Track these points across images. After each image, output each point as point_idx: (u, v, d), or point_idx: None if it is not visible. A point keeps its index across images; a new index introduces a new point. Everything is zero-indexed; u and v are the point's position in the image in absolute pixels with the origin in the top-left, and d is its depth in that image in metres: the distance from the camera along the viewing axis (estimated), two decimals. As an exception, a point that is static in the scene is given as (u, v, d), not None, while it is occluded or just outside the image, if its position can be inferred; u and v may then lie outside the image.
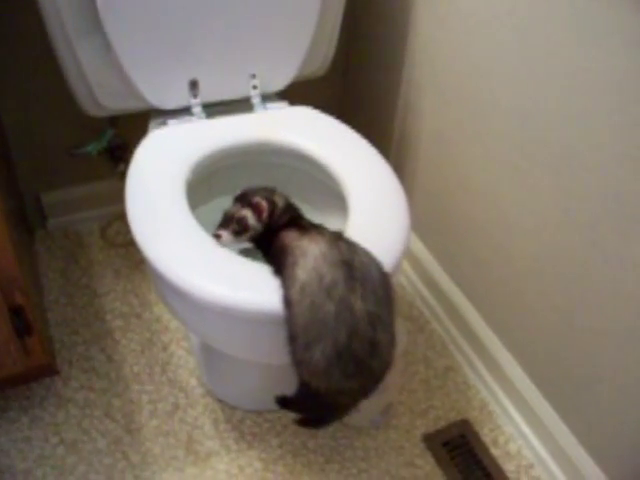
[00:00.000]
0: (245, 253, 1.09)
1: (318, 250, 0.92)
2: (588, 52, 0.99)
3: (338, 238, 0.96)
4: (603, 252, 1.05)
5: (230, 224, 1.06)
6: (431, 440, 1.34)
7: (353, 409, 0.99)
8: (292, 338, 0.91)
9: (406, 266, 1.68)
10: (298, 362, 0.91)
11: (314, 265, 0.90)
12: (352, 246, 0.95)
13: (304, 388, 0.95)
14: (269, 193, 1.07)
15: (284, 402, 1.08)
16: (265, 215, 1.05)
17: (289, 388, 1.00)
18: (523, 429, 1.33)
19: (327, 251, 0.92)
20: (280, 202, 1.06)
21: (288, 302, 0.91)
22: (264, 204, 1.05)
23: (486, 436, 1.36)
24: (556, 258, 1.16)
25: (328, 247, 0.92)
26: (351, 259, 0.92)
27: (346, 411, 1.01)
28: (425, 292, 1.61)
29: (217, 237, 1.04)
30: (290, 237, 0.99)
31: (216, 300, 0.94)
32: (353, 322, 0.88)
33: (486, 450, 1.33)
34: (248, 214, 1.06)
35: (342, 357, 0.88)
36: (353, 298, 0.88)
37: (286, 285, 0.92)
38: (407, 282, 1.68)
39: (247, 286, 0.95)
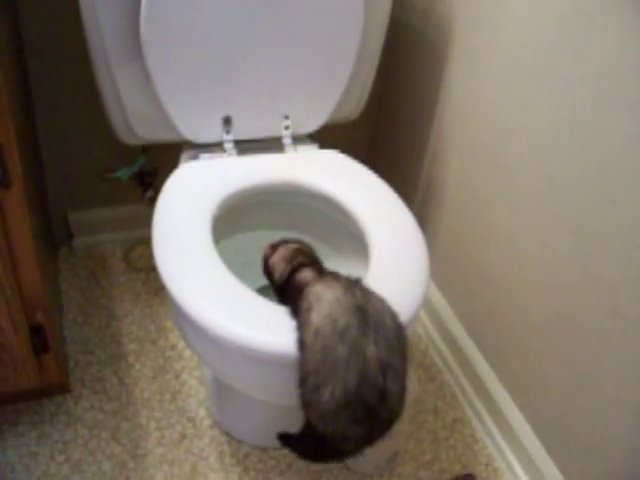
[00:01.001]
0: (264, 292, 1.11)
1: (333, 296, 0.93)
2: (618, 117, 1.00)
3: (353, 285, 0.97)
4: (622, 319, 1.05)
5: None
6: (434, 492, 1.34)
7: (354, 455, 0.99)
8: (303, 379, 0.91)
9: (423, 315, 1.68)
10: (307, 404, 0.92)
11: (329, 311, 0.91)
12: (367, 293, 0.96)
13: (310, 430, 0.95)
14: (284, 255, 1.09)
15: (286, 439, 1.08)
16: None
17: (298, 427, 1.01)
18: (528, 489, 1.33)
19: (342, 297, 0.93)
20: (277, 272, 1.08)
21: (302, 344, 0.92)
22: (268, 259, 1.10)
23: (490, 493, 1.35)
24: (573, 320, 1.16)
25: (343, 293, 0.94)
26: (365, 306, 0.93)
27: (347, 457, 1.00)
28: (439, 342, 1.61)
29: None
30: (305, 280, 1.01)
31: (232, 338, 0.95)
32: (364, 367, 0.88)
33: (489, 507, 1.33)
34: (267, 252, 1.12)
35: (351, 402, 0.88)
36: (365, 343, 0.89)
37: (301, 329, 0.93)
38: (422, 330, 1.68)
39: (264, 326, 0.96)
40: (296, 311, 0.96)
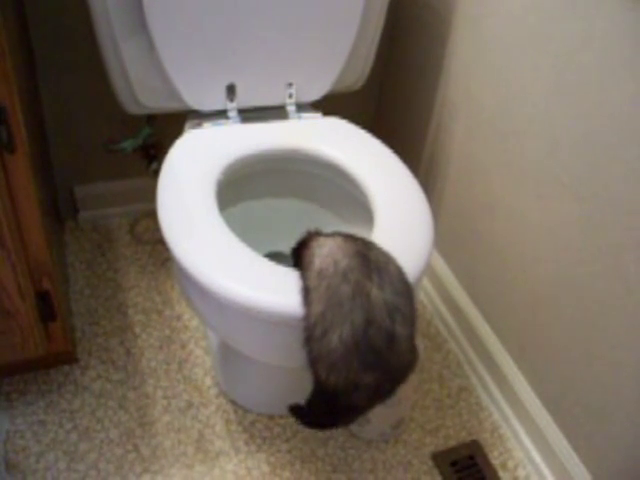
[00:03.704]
0: (272, 257, 1.11)
1: (334, 242, 0.96)
2: (622, 81, 1.00)
3: (355, 237, 0.98)
4: (625, 282, 1.05)
5: None
6: (440, 458, 1.34)
7: (364, 414, 0.98)
8: (309, 331, 0.91)
9: (427, 284, 1.68)
10: (315, 358, 0.90)
11: (329, 252, 0.93)
12: (369, 244, 0.97)
13: (320, 388, 0.94)
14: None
15: (297, 411, 1.08)
16: None
17: (303, 394, 1.01)
18: (533, 455, 1.33)
19: (342, 244, 0.95)
20: None
21: (306, 290, 0.93)
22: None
23: (495, 459, 1.36)
24: (577, 285, 1.16)
25: (343, 241, 0.96)
26: (367, 252, 0.94)
27: (358, 415, 1.00)
28: (444, 311, 1.61)
29: None
30: (311, 236, 1.03)
31: (238, 299, 0.95)
32: (370, 308, 0.88)
33: (494, 473, 1.33)
34: None
35: (359, 344, 0.87)
36: (369, 285, 0.89)
37: (305, 276, 0.94)
38: (427, 300, 1.68)
39: (269, 288, 0.97)
40: (302, 266, 0.97)
